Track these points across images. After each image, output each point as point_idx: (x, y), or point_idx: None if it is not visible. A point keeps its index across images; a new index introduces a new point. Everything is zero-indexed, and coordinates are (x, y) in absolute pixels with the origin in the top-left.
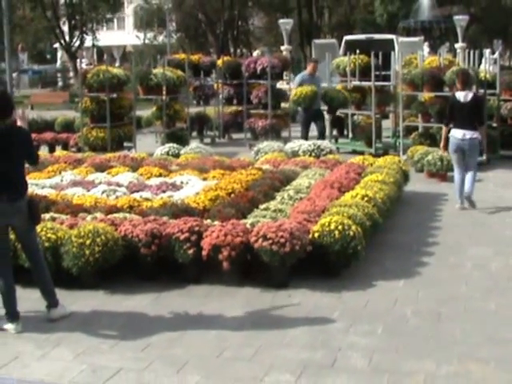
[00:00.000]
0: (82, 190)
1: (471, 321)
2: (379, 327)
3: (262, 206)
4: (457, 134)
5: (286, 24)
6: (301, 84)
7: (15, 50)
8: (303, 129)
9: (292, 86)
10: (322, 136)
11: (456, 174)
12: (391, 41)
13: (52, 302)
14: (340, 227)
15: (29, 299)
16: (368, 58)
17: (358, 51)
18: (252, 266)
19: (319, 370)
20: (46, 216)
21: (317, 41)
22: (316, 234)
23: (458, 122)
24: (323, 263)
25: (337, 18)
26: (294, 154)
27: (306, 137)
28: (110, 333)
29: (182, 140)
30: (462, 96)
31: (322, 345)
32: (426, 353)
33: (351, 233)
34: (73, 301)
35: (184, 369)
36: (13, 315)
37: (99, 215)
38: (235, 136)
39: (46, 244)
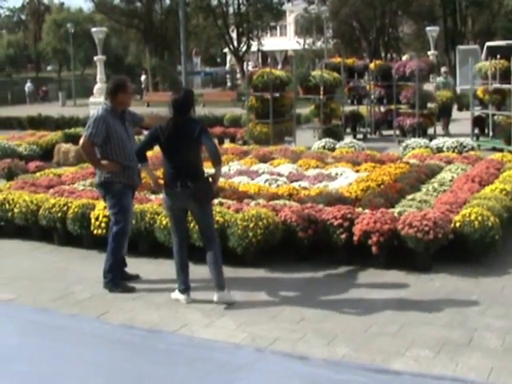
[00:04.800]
0: (246, 179)
1: None
2: None
3: (409, 197)
4: None
5: (432, 31)
6: None
7: (190, 54)
8: None
9: None
10: None
11: None
12: None
13: (219, 284)
14: (480, 218)
15: (199, 274)
16: (508, 63)
17: (498, 56)
18: (398, 251)
19: (456, 348)
20: (215, 201)
21: (461, 47)
22: (457, 224)
23: None
24: (463, 251)
25: (479, 26)
26: (439, 149)
27: None
28: (268, 306)
29: (337, 135)
30: None
31: (460, 325)
32: None
33: (490, 223)
34: (236, 277)
35: (334, 341)
36: (184, 287)
37: (262, 201)
38: (385, 132)
39: (215, 226)
